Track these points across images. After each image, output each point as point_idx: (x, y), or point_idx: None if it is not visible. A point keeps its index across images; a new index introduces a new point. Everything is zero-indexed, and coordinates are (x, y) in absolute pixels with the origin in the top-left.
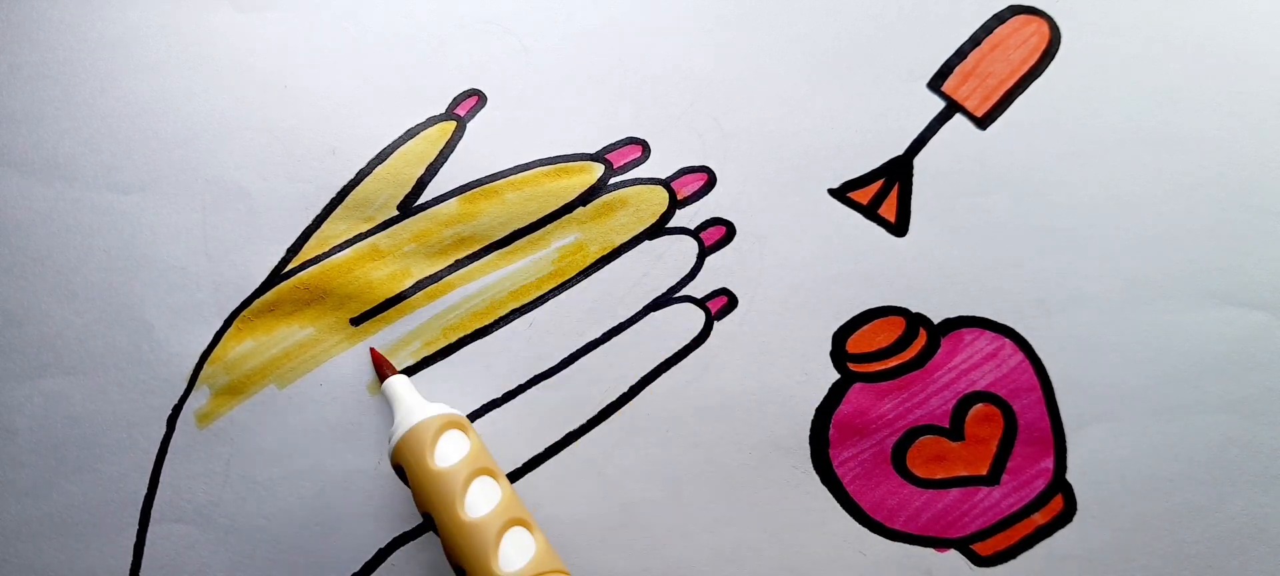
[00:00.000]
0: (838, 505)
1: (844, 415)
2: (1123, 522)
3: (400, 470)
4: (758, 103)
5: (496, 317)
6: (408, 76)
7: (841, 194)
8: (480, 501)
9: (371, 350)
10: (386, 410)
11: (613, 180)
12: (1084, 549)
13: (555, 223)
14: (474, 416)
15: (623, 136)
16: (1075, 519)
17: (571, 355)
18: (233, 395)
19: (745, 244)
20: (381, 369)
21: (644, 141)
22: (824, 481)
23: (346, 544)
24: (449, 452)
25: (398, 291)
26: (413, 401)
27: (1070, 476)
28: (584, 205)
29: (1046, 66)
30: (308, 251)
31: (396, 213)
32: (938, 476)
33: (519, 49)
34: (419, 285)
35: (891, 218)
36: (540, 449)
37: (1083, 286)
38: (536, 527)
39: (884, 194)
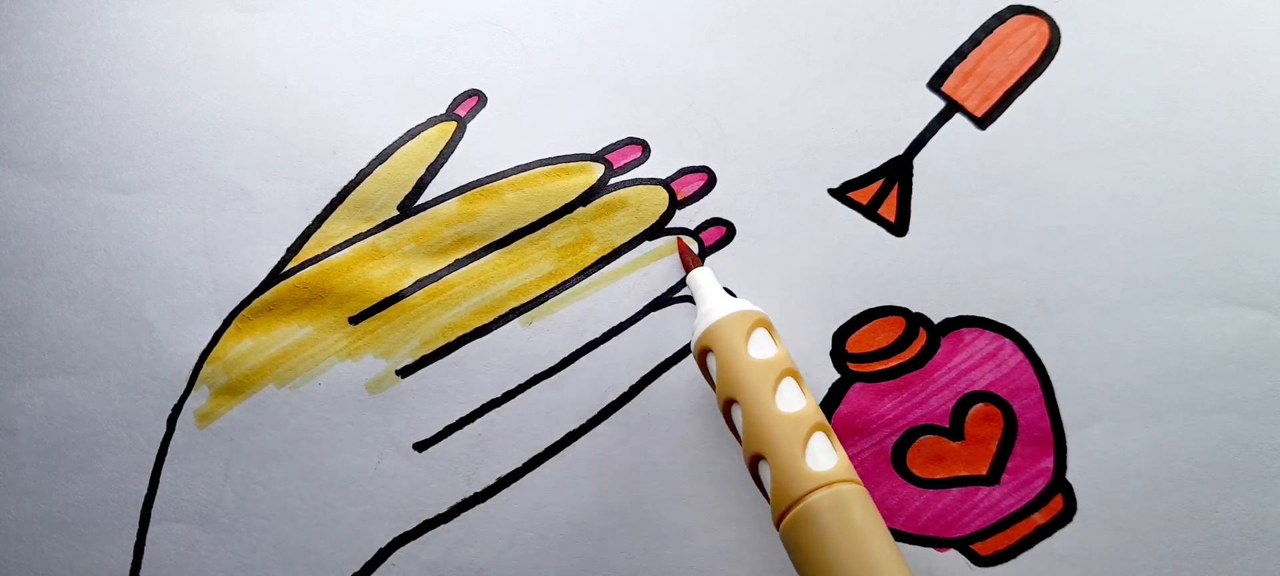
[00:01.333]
0: None
1: (844, 415)
2: (1123, 522)
3: (704, 356)
4: (758, 103)
5: (496, 317)
6: (408, 76)
7: (841, 194)
8: (791, 399)
9: (678, 240)
10: (387, 409)
11: (613, 180)
12: (1084, 549)
13: (555, 223)
14: (474, 416)
15: (623, 136)
16: (1075, 519)
17: (571, 355)
18: (233, 395)
19: (745, 244)
20: (686, 260)
21: (644, 141)
22: None
23: (346, 544)
24: (761, 347)
25: (397, 290)
26: (720, 294)
27: (1070, 476)
28: (584, 205)
29: (1046, 66)
30: (308, 251)
31: (396, 213)
32: (938, 476)
33: (519, 49)
34: (419, 284)
35: (891, 218)
36: (540, 449)
37: (1083, 286)
38: (838, 441)
39: (884, 194)
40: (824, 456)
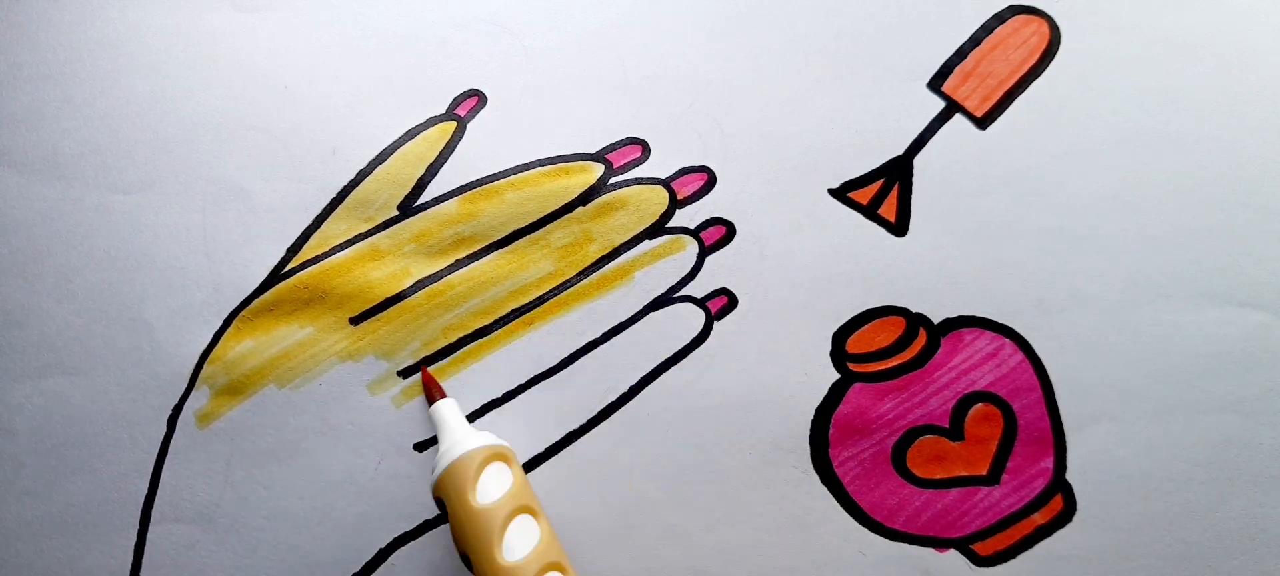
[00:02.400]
0: (838, 505)
1: (844, 415)
2: (1123, 522)
3: (440, 503)
4: (758, 103)
5: (496, 317)
6: (408, 76)
7: (841, 194)
8: (517, 544)
9: (423, 371)
10: (386, 409)
11: (613, 180)
12: (1084, 549)
13: (555, 222)
14: (474, 416)
15: (623, 136)
16: (1075, 519)
17: (571, 355)
18: (233, 395)
19: (745, 244)
20: (432, 392)
21: (644, 141)
22: (824, 481)
23: (346, 544)
24: (493, 486)
25: (397, 291)
26: (459, 429)
27: (1070, 476)
28: (584, 205)
29: (1046, 66)
30: (308, 251)
31: (396, 213)
32: (938, 476)
33: (519, 49)
34: (419, 285)
35: (891, 218)
36: (540, 449)
37: (1083, 286)
38: (571, 570)
39: (884, 194)
40: None
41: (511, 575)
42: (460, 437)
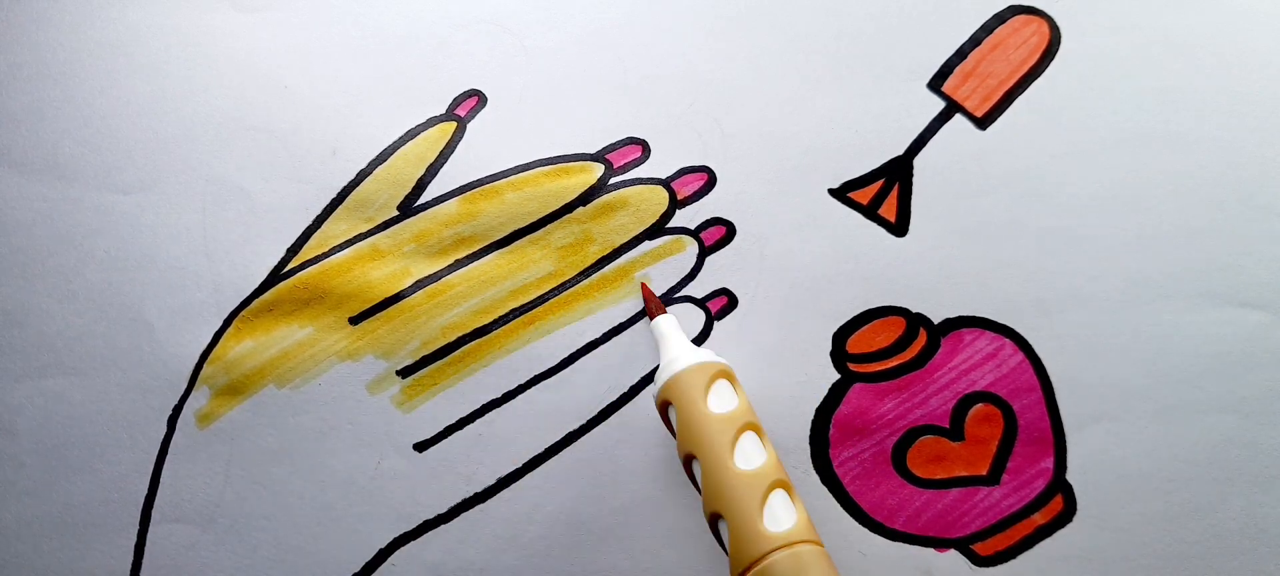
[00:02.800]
0: (838, 505)
1: (844, 415)
2: (1123, 522)
3: (665, 408)
4: (758, 103)
5: (496, 317)
6: (408, 77)
7: (841, 194)
8: (751, 454)
9: (643, 286)
10: (386, 409)
11: (613, 180)
12: (1084, 549)
13: (555, 222)
14: (474, 416)
15: (623, 136)
16: (1075, 519)
17: (571, 355)
18: (233, 395)
19: (745, 244)
20: (651, 307)
21: (644, 141)
22: (824, 481)
23: (346, 544)
24: (721, 400)
25: (397, 291)
26: (683, 343)
27: (1070, 476)
28: (584, 205)
29: (1046, 66)
30: (308, 251)
31: (396, 213)
32: (938, 476)
33: (519, 49)
34: (418, 284)
35: (891, 218)
36: (540, 449)
37: (1083, 286)
38: (798, 496)
39: (884, 194)
40: (783, 515)
41: (746, 480)
42: (689, 349)
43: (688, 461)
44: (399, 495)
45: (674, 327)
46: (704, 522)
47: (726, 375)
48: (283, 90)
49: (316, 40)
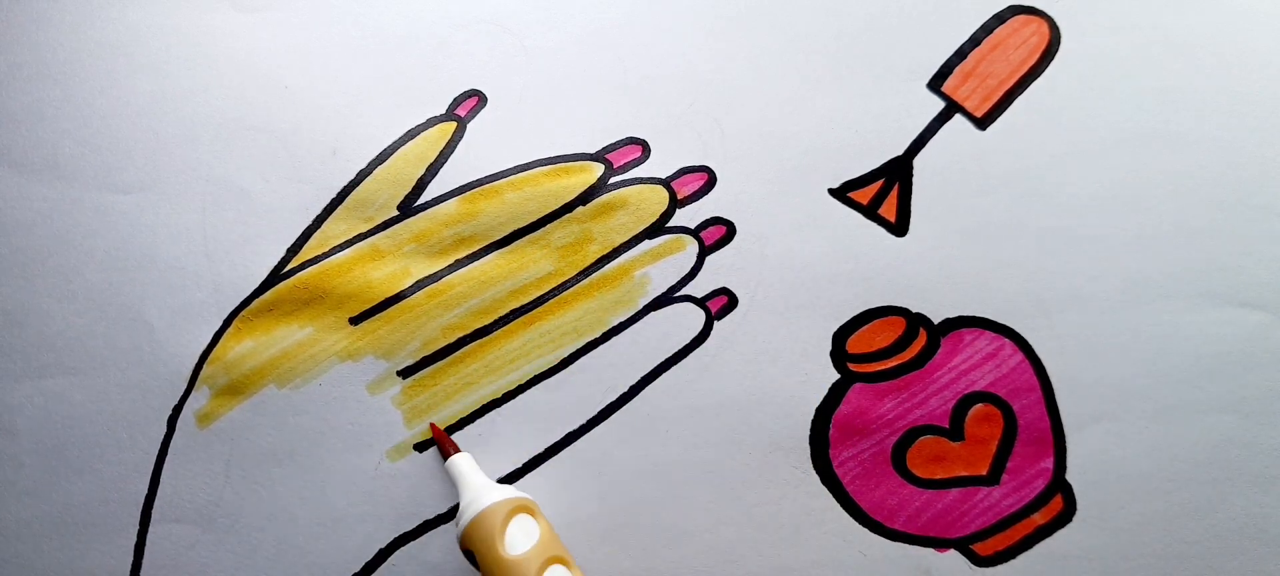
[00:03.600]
0: (838, 505)
1: (844, 415)
2: (1123, 522)
3: (469, 554)
4: (758, 103)
5: (496, 317)
6: (408, 77)
7: (841, 194)
8: None
9: (433, 427)
10: (386, 409)
11: (613, 180)
12: (1084, 549)
13: (555, 222)
14: (474, 416)
15: (623, 136)
16: (1075, 519)
17: (571, 355)
18: (233, 395)
19: (745, 244)
20: (444, 447)
21: (644, 141)
22: (824, 481)
23: (346, 544)
24: (520, 538)
25: (397, 291)
26: (479, 481)
27: (1070, 476)
28: (584, 205)
29: (1046, 66)
30: (308, 251)
31: (396, 213)
32: (938, 476)
33: (519, 49)
34: (418, 284)
35: (891, 218)
36: (540, 449)
37: (1083, 286)
38: None
39: (884, 194)
40: None
41: None
42: (482, 489)
43: None
44: (399, 495)
45: (471, 467)
46: (704, 520)
47: (527, 509)
48: (283, 90)
49: (316, 40)
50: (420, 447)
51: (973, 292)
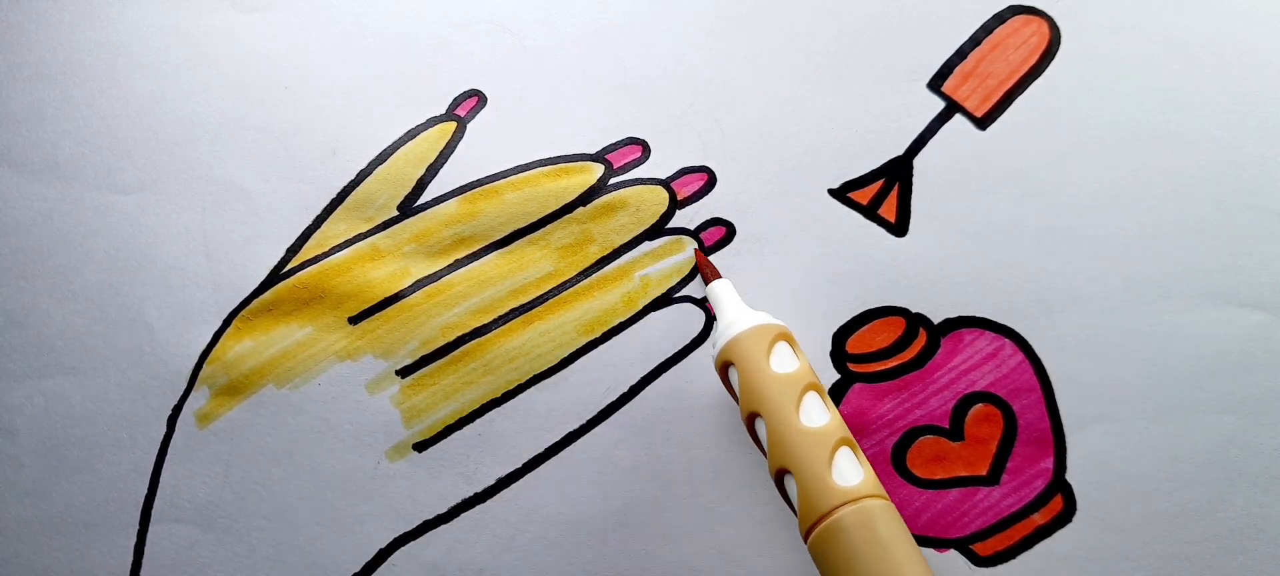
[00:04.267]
0: None
1: (844, 415)
2: (1123, 522)
3: (726, 370)
4: (758, 103)
5: (496, 317)
6: (408, 77)
7: (841, 194)
8: (815, 413)
9: (696, 252)
10: (386, 409)
11: (613, 180)
12: (1084, 549)
13: (555, 223)
14: (474, 416)
15: (623, 136)
16: (1075, 519)
17: (571, 355)
18: (232, 395)
19: (745, 244)
20: (706, 272)
21: (644, 141)
22: None
23: (346, 544)
24: (783, 361)
25: (396, 290)
26: (741, 306)
27: (1070, 476)
28: (584, 205)
29: (1046, 66)
30: (307, 252)
31: (396, 213)
32: (937, 476)
33: (519, 49)
34: (418, 284)
35: (891, 218)
36: (540, 449)
37: (1083, 286)
38: (863, 455)
39: (884, 194)
40: (850, 471)
41: (812, 438)
42: (747, 311)
43: (751, 420)
44: (399, 495)
45: (730, 292)
46: (704, 520)
47: (786, 337)
48: (283, 90)
49: (316, 40)
50: (420, 447)
51: (973, 292)
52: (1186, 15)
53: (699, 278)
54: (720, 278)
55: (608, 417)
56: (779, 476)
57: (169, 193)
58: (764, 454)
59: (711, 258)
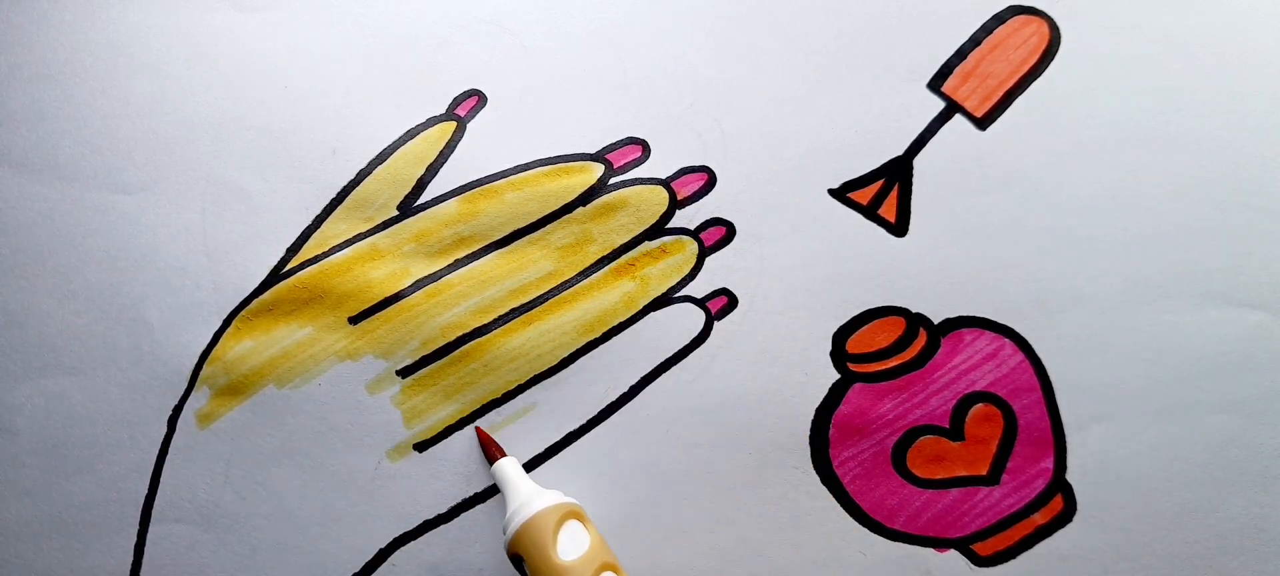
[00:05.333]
0: (838, 505)
1: (844, 415)
2: (1123, 522)
3: (516, 559)
4: (758, 103)
5: (496, 317)
6: (408, 77)
7: (841, 194)
8: None
9: (478, 430)
10: (386, 409)
11: (613, 180)
12: (1084, 549)
13: (555, 222)
14: (474, 416)
15: (623, 136)
16: (1075, 519)
17: (571, 355)
18: (233, 395)
19: (745, 244)
20: (490, 451)
21: (644, 141)
22: (824, 481)
23: (346, 544)
24: (570, 545)
25: (396, 290)
26: (527, 486)
27: (1070, 476)
28: (584, 205)
29: (1046, 66)
30: (307, 251)
31: (396, 213)
32: (938, 476)
33: (519, 49)
34: (418, 284)
35: (891, 218)
36: (540, 449)
37: (1083, 286)
38: None
39: (884, 194)
40: None
41: None
42: (532, 494)
43: None
44: (399, 495)
45: (517, 472)
46: (704, 520)
47: (577, 515)
48: (283, 90)
49: (316, 40)
50: (420, 447)
51: (973, 293)
52: (1186, 15)
53: (699, 278)
54: (505, 456)
55: (608, 417)
56: None
57: (169, 193)
58: None
59: (708, 256)
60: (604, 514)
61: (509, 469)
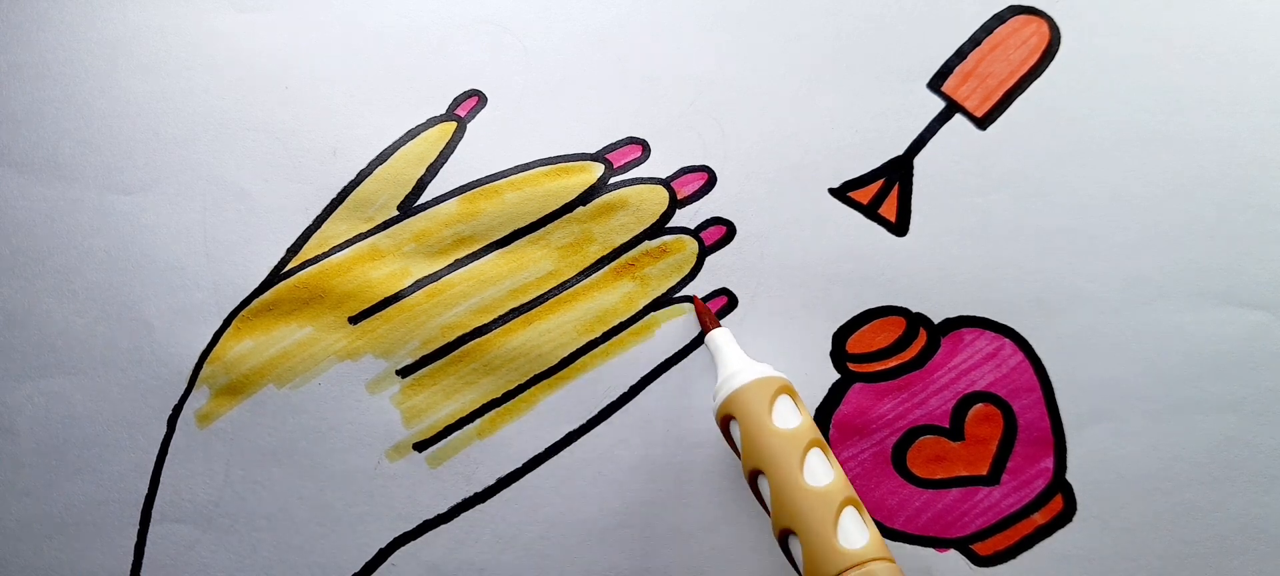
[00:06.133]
0: None
1: (844, 415)
2: (1123, 522)
3: (727, 423)
4: (758, 103)
5: (496, 317)
6: (408, 77)
7: (841, 194)
8: (819, 471)
9: (695, 300)
10: (386, 409)
11: (613, 180)
12: (1084, 549)
13: (555, 222)
14: (474, 416)
15: (623, 136)
16: (1075, 519)
17: (571, 355)
18: (233, 395)
19: (745, 244)
20: (705, 321)
21: (644, 141)
22: None
23: (346, 544)
24: (785, 417)
25: (397, 290)
26: (742, 357)
27: (1070, 476)
28: (584, 205)
29: (1046, 66)
30: (308, 252)
31: (396, 213)
32: (938, 476)
33: (519, 49)
34: (418, 284)
35: (891, 218)
36: (540, 449)
37: (1083, 286)
38: (867, 514)
39: (884, 194)
40: (856, 534)
41: (817, 497)
42: (749, 363)
43: (754, 477)
44: (399, 495)
45: (730, 341)
46: (704, 521)
47: (789, 391)
48: (283, 90)
49: (316, 40)
50: (420, 447)
51: (973, 292)
52: (1186, 15)
53: (699, 277)
54: (719, 326)
55: (608, 417)
56: (783, 537)
57: (169, 193)
58: (767, 511)
59: (708, 256)
60: (604, 514)
61: (722, 338)
